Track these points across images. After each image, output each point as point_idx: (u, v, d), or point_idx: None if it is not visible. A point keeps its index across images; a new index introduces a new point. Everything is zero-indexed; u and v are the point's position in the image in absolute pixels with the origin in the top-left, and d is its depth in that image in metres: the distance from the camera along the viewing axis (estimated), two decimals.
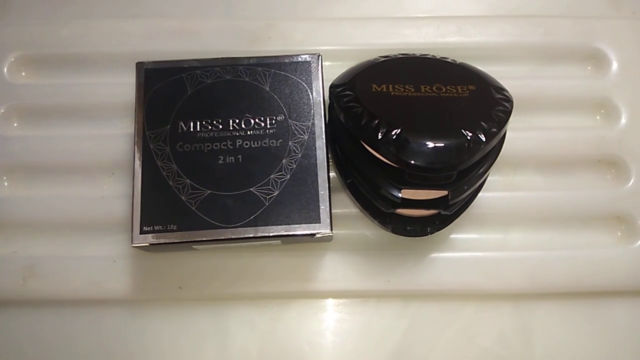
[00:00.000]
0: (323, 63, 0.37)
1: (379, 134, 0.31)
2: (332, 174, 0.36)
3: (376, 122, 0.31)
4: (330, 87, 0.36)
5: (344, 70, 0.37)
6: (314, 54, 0.37)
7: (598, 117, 0.42)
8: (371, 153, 0.32)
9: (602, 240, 0.39)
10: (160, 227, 0.33)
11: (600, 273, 0.38)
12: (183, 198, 0.33)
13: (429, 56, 0.37)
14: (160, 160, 0.34)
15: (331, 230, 0.33)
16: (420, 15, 0.45)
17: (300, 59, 0.37)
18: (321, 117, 0.35)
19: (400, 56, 0.37)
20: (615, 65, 0.42)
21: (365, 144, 0.32)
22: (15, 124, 0.41)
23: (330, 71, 0.37)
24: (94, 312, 0.37)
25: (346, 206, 0.39)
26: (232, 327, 0.37)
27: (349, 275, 0.38)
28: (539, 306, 0.38)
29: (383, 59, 0.37)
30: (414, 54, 0.38)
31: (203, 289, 0.37)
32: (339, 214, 0.38)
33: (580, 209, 0.39)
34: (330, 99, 0.36)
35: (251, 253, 0.38)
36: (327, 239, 0.35)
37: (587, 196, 0.39)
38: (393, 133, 0.31)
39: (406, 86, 0.33)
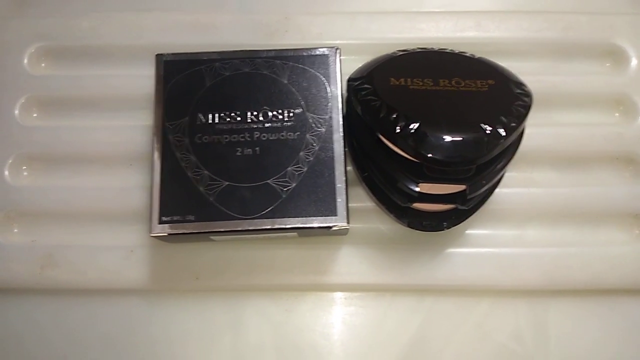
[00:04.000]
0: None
1: (398, 127, 0.31)
2: (348, 168, 0.36)
3: (394, 115, 0.31)
4: (348, 80, 0.36)
5: (362, 64, 0.37)
6: (332, 47, 0.37)
7: (617, 114, 0.42)
8: (389, 146, 0.32)
9: (619, 238, 0.39)
10: (179, 217, 0.33)
11: (617, 271, 0.38)
12: (201, 189, 0.33)
13: (447, 50, 0.37)
14: (179, 151, 0.34)
15: (348, 223, 0.33)
16: (437, 10, 0.44)
17: (318, 52, 0.37)
18: (339, 110, 0.35)
19: (419, 50, 0.37)
20: (634, 62, 0.42)
21: (383, 137, 0.32)
22: (34, 115, 0.41)
23: (347, 65, 0.37)
24: (111, 301, 0.38)
25: (362, 200, 0.39)
26: (247, 318, 0.37)
27: (364, 268, 0.38)
28: (554, 303, 0.38)
29: (401, 52, 0.37)
30: (432, 48, 0.38)
31: (219, 279, 0.37)
32: (355, 207, 0.38)
33: (598, 206, 0.39)
34: (347, 92, 0.36)
35: (267, 245, 0.38)
36: (343, 232, 0.36)
37: (604, 193, 0.39)
38: (411, 126, 0.31)
39: (425, 80, 0.33)
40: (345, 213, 0.33)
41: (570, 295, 0.38)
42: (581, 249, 0.38)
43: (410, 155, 0.31)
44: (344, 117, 0.36)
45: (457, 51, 0.37)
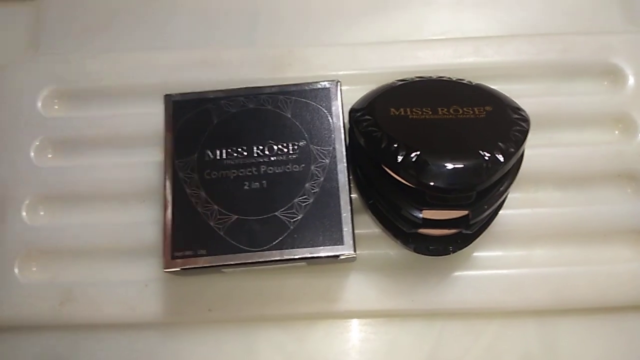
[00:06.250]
0: (342, 87, 0.38)
1: (399, 157, 0.32)
2: (353, 195, 0.37)
3: (395, 145, 0.32)
4: (350, 111, 0.37)
5: (363, 94, 0.38)
6: (333, 81, 0.38)
7: (616, 132, 0.42)
8: (391, 175, 0.33)
9: (625, 255, 0.39)
10: (190, 252, 0.34)
11: (624, 288, 0.38)
12: (211, 223, 0.34)
13: (445, 78, 0.38)
14: (189, 187, 0.35)
15: (354, 251, 0.34)
16: (436, 37, 0.46)
17: (319, 86, 0.38)
18: (342, 141, 0.36)
19: (417, 79, 0.38)
20: (631, 80, 0.43)
21: (386, 167, 0.33)
22: (49, 155, 0.43)
23: (349, 95, 0.38)
24: (127, 335, 0.39)
25: (369, 227, 0.40)
26: (260, 349, 0.38)
27: (373, 295, 0.38)
28: (563, 322, 0.38)
29: (400, 82, 0.38)
30: (430, 76, 0.39)
31: (232, 311, 0.38)
32: (361, 234, 0.39)
33: (602, 223, 0.39)
34: (350, 122, 0.37)
35: (277, 275, 0.39)
36: (350, 259, 0.36)
37: (608, 211, 0.40)
38: (412, 156, 0.31)
39: (424, 109, 0.34)
40: (351, 242, 0.34)
41: (579, 314, 0.38)
42: (587, 267, 0.38)
43: (412, 184, 0.32)
44: (347, 147, 0.37)
45: (454, 78, 0.38)
